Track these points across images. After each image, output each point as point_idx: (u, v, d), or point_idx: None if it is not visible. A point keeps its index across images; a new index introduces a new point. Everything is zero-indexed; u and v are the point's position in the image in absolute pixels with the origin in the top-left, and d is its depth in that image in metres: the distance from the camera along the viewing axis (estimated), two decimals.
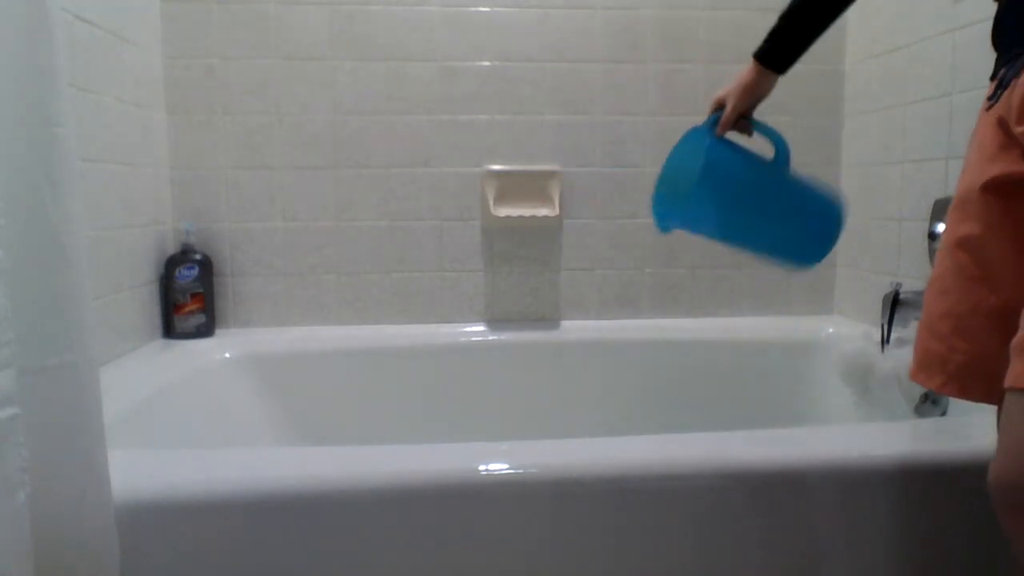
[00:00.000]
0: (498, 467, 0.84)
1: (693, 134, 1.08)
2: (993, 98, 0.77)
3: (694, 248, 1.71)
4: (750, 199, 1.04)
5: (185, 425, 1.23)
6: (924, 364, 0.80)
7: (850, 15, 1.16)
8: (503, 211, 1.61)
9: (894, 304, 1.36)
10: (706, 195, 1.01)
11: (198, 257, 1.54)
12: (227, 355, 1.48)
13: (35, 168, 0.66)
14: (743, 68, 1.07)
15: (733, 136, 1.10)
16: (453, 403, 1.58)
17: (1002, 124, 0.74)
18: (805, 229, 1.08)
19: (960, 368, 0.77)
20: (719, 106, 1.09)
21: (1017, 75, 0.72)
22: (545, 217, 1.62)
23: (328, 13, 1.59)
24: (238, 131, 1.59)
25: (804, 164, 1.71)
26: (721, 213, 1.03)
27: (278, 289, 1.64)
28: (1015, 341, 0.65)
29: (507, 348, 1.62)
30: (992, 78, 0.79)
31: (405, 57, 1.62)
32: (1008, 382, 0.65)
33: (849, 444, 0.91)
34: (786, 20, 1.03)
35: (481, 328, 1.66)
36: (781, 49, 1.05)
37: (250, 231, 1.62)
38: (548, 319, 1.71)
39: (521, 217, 1.61)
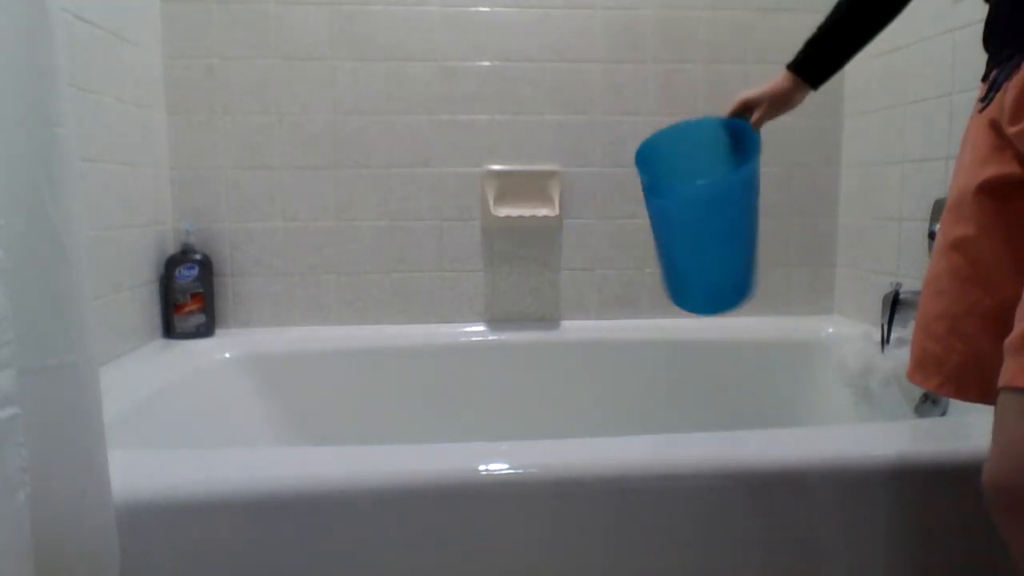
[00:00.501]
0: (498, 467, 0.84)
1: (711, 122, 1.06)
2: (985, 100, 0.77)
3: None
4: (727, 220, 1.00)
5: (185, 425, 1.23)
6: (921, 365, 0.81)
7: None
8: (503, 211, 1.61)
9: (894, 304, 1.36)
10: (713, 193, 0.99)
11: (198, 257, 1.54)
12: (227, 355, 1.48)
13: (35, 168, 0.66)
14: (775, 76, 1.04)
15: None
16: (453, 403, 1.58)
17: (994, 126, 0.75)
18: (726, 276, 1.04)
19: (957, 368, 0.77)
20: (744, 107, 1.06)
21: (1008, 77, 0.73)
22: (545, 217, 1.62)
23: (328, 13, 1.59)
24: (238, 131, 1.59)
25: (804, 164, 1.73)
26: (700, 209, 0.99)
27: (278, 289, 1.64)
28: (1008, 341, 0.65)
29: (507, 348, 1.62)
30: (984, 79, 0.79)
31: (405, 57, 1.62)
32: (1001, 381, 0.65)
33: (849, 444, 0.91)
34: (825, 34, 1.00)
35: (481, 328, 1.67)
36: (818, 63, 1.02)
37: (250, 231, 1.62)
38: (548, 319, 1.71)
39: (521, 217, 1.61)
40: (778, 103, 1.04)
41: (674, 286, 1.07)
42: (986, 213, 0.75)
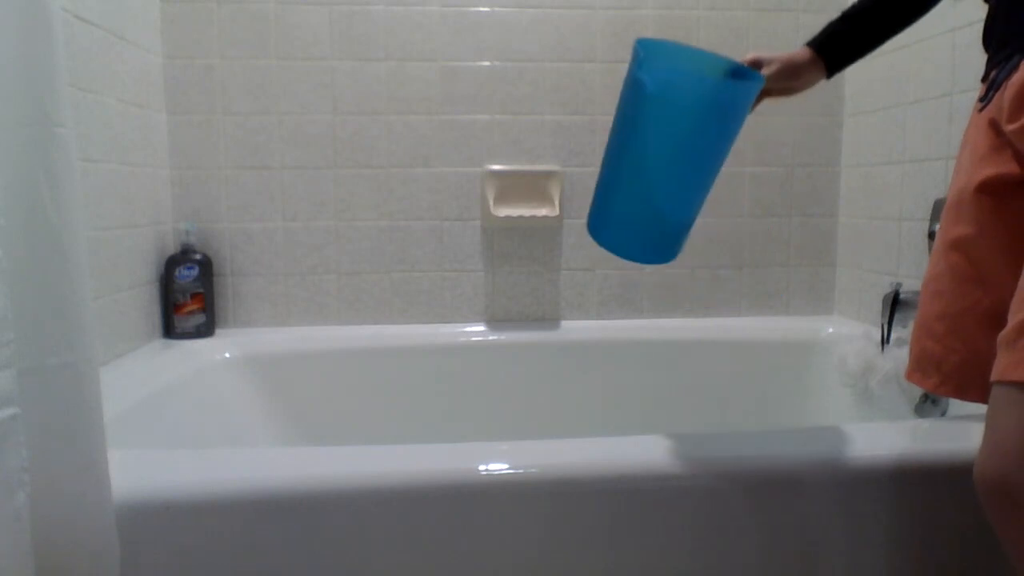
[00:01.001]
0: (498, 467, 0.84)
1: (718, 60, 0.94)
2: (985, 99, 0.77)
3: (694, 248, 1.71)
4: (710, 135, 0.89)
5: (185, 425, 1.23)
6: (920, 365, 0.81)
7: None
8: (503, 211, 1.62)
9: (894, 304, 1.36)
10: (713, 99, 0.88)
11: (198, 257, 1.54)
12: (227, 355, 1.48)
13: (35, 168, 0.66)
14: (794, 50, 0.98)
15: None
16: (453, 403, 1.58)
17: (993, 125, 0.75)
18: (668, 219, 0.93)
19: (955, 368, 0.77)
20: (755, 62, 0.99)
21: (1008, 76, 0.73)
22: (545, 217, 1.62)
23: (328, 13, 1.59)
24: (238, 131, 1.59)
25: (804, 164, 1.73)
26: (685, 119, 0.87)
27: (278, 289, 1.64)
28: (1002, 335, 0.65)
29: (507, 348, 1.62)
30: (983, 80, 0.79)
31: (405, 57, 1.62)
32: (994, 375, 0.65)
33: (849, 444, 0.91)
34: (852, 17, 0.96)
35: (481, 328, 1.67)
36: (839, 46, 0.97)
37: (250, 231, 1.62)
38: (548, 319, 1.71)
39: (521, 217, 1.61)
40: (788, 71, 0.97)
41: (604, 207, 0.96)
42: (985, 212, 0.75)
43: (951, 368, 0.77)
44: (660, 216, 0.94)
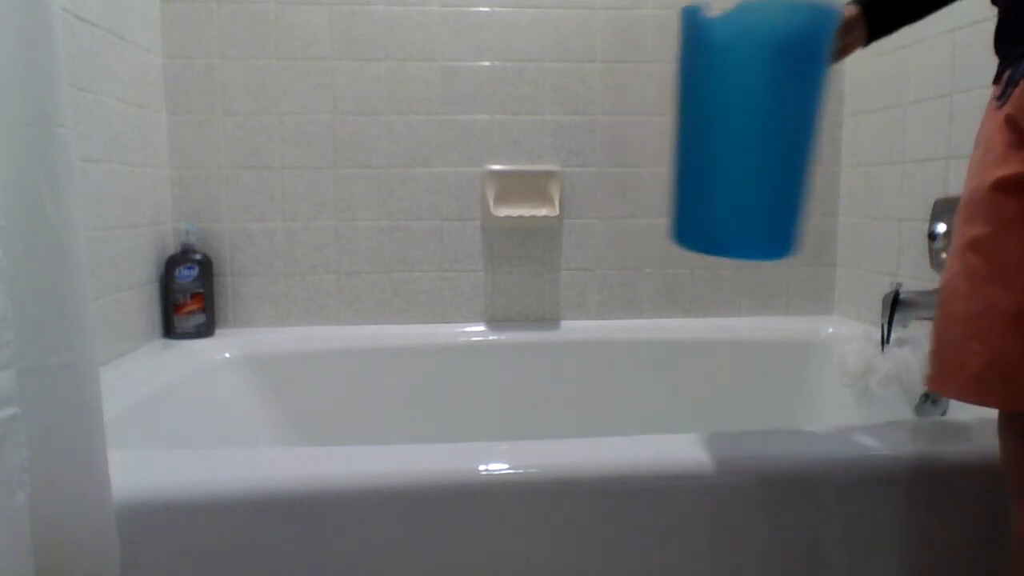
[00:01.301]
0: (498, 467, 0.84)
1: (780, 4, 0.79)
2: (1002, 97, 0.76)
3: None
4: (795, 86, 0.77)
5: (185, 425, 1.23)
6: (939, 371, 0.78)
7: None
8: (503, 211, 1.61)
9: (894, 304, 1.36)
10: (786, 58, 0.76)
11: (198, 257, 1.54)
12: (227, 355, 1.48)
13: (35, 168, 0.66)
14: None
15: None
16: (453, 403, 1.58)
17: (1010, 122, 0.74)
18: (767, 193, 0.78)
19: (977, 373, 0.74)
20: None
21: None
22: (545, 217, 1.62)
23: (328, 13, 1.59)
24: (238, 131, 1.59)
25: None
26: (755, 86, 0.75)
27: (278, 289, 1.64)
28: None
29: (507, 348, 1.62)
30: (995, 82, 0.79)
31: (405, 57, 1.62)
32: None
33: (849, 444, 0.91)
34: None
35: (481, 328, 1.66)
36: (884, 7, 0.90)
37: (250, 231, 1.62)
38: (548, 319, 1.71)
39: (521, 217, 1.61)
40: (840, 29, 0.89)
41: (692, 205, 0.81)
42: (1002, 211, 0.73)
43: (972, 373, 0.74)
44: (762, 196, 0.79)
